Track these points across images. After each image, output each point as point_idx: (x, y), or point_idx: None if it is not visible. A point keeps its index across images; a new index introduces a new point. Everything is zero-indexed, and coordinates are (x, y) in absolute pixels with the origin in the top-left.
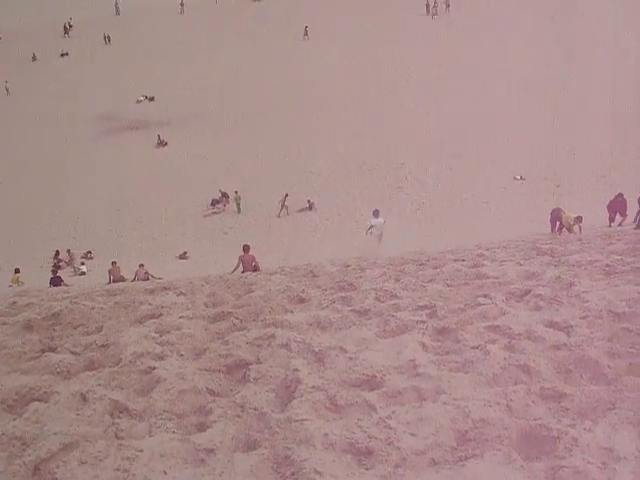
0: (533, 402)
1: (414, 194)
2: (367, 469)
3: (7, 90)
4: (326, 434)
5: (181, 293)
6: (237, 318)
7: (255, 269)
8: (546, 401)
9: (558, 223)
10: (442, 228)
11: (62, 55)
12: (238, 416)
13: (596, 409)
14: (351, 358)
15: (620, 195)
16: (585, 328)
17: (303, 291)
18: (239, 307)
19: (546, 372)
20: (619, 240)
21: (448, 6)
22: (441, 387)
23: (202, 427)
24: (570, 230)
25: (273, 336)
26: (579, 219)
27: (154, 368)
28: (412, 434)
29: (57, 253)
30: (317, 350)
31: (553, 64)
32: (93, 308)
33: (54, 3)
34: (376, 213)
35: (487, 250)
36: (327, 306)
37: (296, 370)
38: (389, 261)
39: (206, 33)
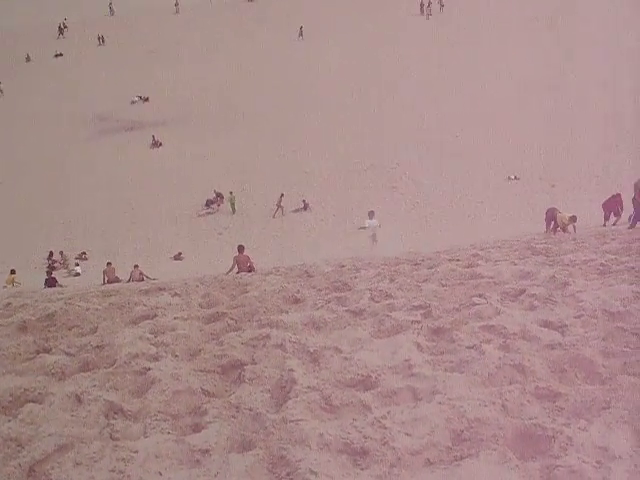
0: (528, 401)
1: (409, 194)
2: (362, 469)
3: (1, 91)
4: (321, 434)
5: (176, 294)
6: (232, 319)
7: (250, 269)
8: (541, 400)
9: (553, 223)
10: (437, 228)
11: (56, 56)
12: (233, 417)
13: (591, 408)
14: (346, 358)
15: (618, 195)
16: (580, 327)
17: (298, 291)
18: (234, 308)
19: (541, 371)
20: (613, 239)
21: (442, 6)
22: (436, 387)
23: (197, 428)
24: (564, 230)
25: (268, 336)
26: (573, 219)
27: (149, 369)
28: (407, 434)
29: (51, 254)
30: (312, 350)
31: (547, 64)
32: (88, 309)
33: (48, 4)
34: (371, 214)
35: (482, 250)
36: (322, 306)
37: (291, 370)
38: (384, 261)
39: (201, 33)
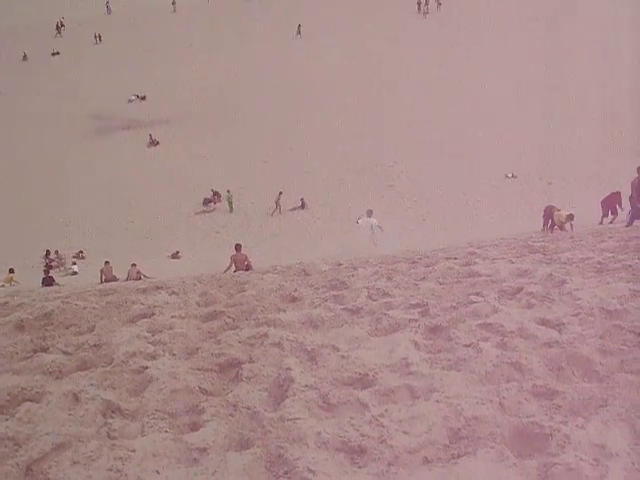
0: (525, 400)
1: (406, 192)
2: (360, 467)
3: None
4: (319, 433)
5: (173, 292)
6: (229, 317)
7: (247, 268)
8: (538, 398)
9: (550, 221)
10: (434, 226)
11: (53, 54)
12: (231, 415)
13: (588, 406)
14: (343, 356)
15: (617, 193)
16: (577, 325)
17: (295, 290)
18: (231, 306)
19: (538, 370)
20: (611, 238)
21: (439, 4)
22: (433, 385)
23: (195, 426)
24: (562, 228)
25: (265, 335)
26: (571, 217)
27: (146, 368)
28: (405, 432)
29: (47, 253)
30: (309, 349)
31: (547, 63)
32: (85, 308)
33: (46, 2)
34: (369, 213)
35: (479, 248)
36: (319, 305)
37: (289, 369)
38: (381, 259)
39: (198, 32)
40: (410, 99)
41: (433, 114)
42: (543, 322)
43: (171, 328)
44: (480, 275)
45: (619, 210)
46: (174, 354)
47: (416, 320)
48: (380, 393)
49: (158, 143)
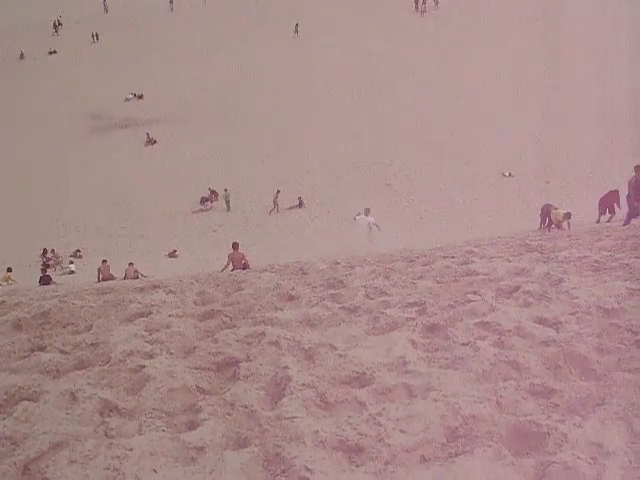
0: (523, 398)
1: (404, 191)
2: (357, 466)
3: None
4: (316, 431)
5: (171, 291)
6: (227, 316)
7: (245, 267)
8: (536, 397)
9: (547, 219)
10: (431, 225)
11: (50, 53)
12: (228, 414)
13: (585, 405)
14: (341, 355)
15: (615, 191)
16: (574, 324)
17: (293, 289)
18: (229, 305)
19: (535, 368)
20: (608, 236)
21: (437, 3)
22: (431, 384)
23: (192, 425)
24: (559, 226)
25: (263, 334)
26: (568, 215)
27: (144, 366)
28: (402, 431)
29: (45, 251)
30: (307, 347)
31: (546, 63)
32: (82, 307)
33: (43, 1)
34: (367, 211)
35: (476, 247)
36: (317, 303)
37: (286, 368)
38: (378, 258)
39: (196, 31)
40: (410, 99)
41: (432, 114)
42: (540, 321)
43: (168, 327)
44: (477, 274)
45: (617, 209)
46: (171, 353)
47: (413, 319)
48: (377, 392)
49: (155, 142)
